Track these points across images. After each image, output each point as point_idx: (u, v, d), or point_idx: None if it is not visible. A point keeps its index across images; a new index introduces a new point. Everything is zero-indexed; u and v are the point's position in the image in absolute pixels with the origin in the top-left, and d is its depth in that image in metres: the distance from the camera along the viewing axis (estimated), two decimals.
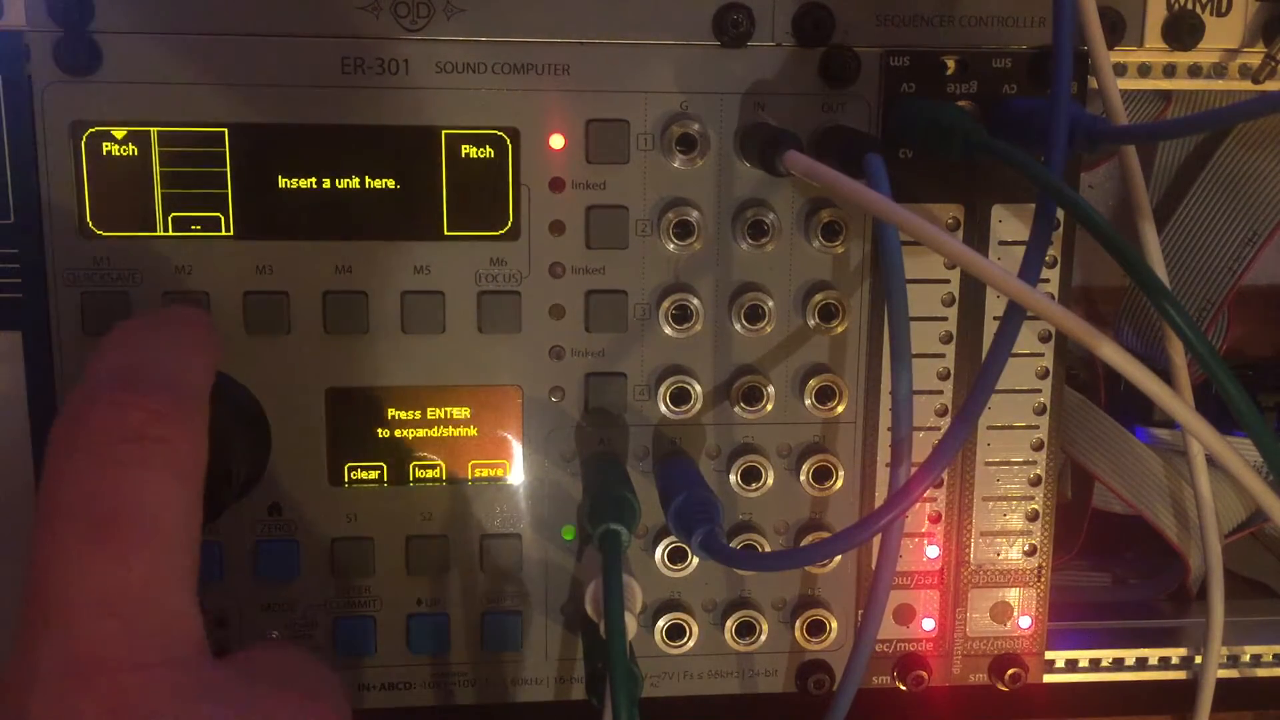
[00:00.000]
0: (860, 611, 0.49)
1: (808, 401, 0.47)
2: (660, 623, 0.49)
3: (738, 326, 0.47)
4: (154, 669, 0.25)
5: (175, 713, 0.25)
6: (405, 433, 0.47)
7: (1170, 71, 0.48)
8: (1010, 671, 0.50)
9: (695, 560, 0.48)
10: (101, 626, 0.25)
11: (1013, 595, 0.51)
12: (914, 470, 0.39)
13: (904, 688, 0.50)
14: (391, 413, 0.46)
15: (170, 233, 0.44)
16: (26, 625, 0.25)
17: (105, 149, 0.43)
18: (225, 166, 0.44)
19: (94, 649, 0.25)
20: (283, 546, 0.47)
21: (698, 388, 0.47)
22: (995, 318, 0.48)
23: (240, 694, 0.26)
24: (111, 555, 0.25)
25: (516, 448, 0.47)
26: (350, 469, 0.47)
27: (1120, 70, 0.47)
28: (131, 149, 0.43)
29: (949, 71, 0.46)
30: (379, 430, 0.46)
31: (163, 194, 0.44)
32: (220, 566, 0.46)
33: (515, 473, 0.47)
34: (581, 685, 0.49)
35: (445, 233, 0.45)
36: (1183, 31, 0.47)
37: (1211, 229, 0.55)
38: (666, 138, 0.45)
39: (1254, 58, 0.48)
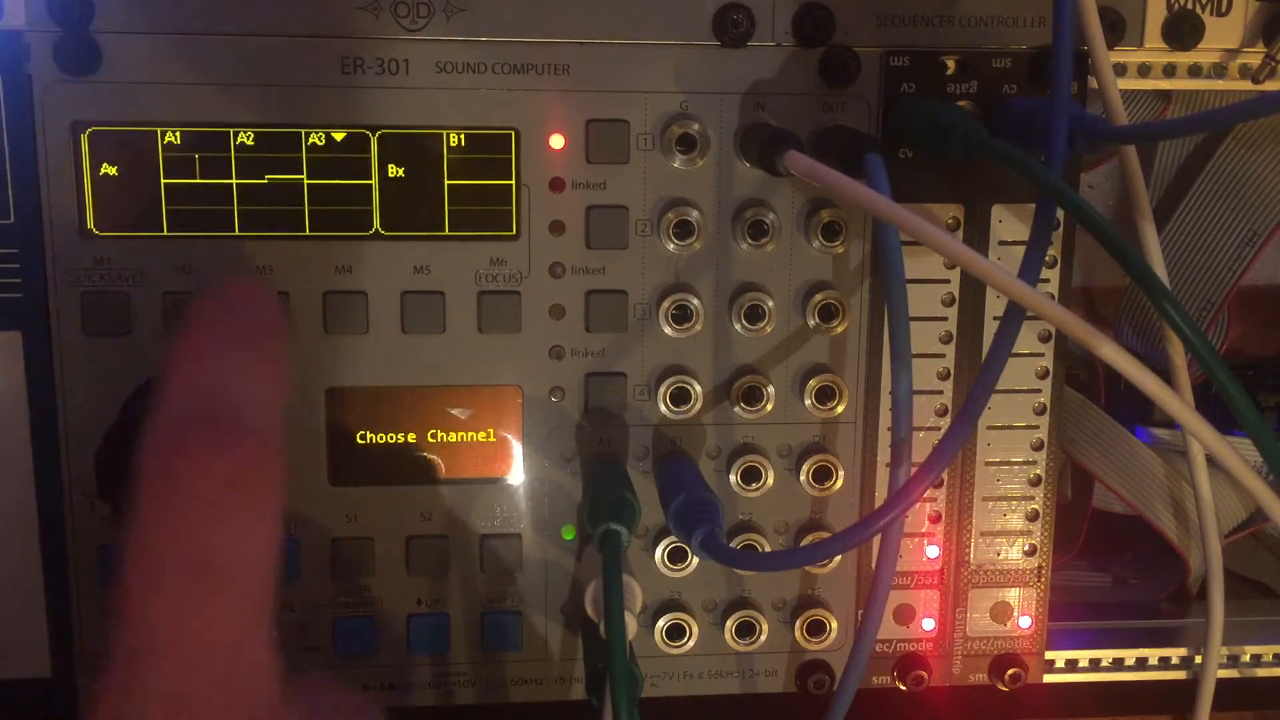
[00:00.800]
0: (860, 611, 0.49)
1: (808, 401, 0.47)
2: (660, 623, 0.49)
3: (738, 326, 0.47)
4: (244, 708, 0.25)
5: None
6: (405, 433, 0.47)
7: (1170, 71, 0.48)
8: (1010, 671, 0.50)
9: (695, 560, 0.48)
10: (198, 670, 0.25)
11: (1013, 595, 0.51)
12: (914, 470, 0.39)
13: (904, 688, 0.50)
14: (391, 413, 0.46)
15: (170, 232, 0.44)
16: (125, 656, 0.25)
17: (105, 149, 0.43)
18: (226, 166, 0.44)
19: (190, 690, 0.25)
20: (282, 547, 0.46)
21: (698, 388, 0.47)
22: (995, 318, 0.48)
23: None
24: (210, 600, 0.25)
25: (516, 448, 0.47)
26: (350, 469, 0.47)
27: (1120, 70, 0.47)
28: (131, 149, 0.43)
29: (949, 71, 0.46)
30: (379, 430, 0.46)
31: (163, 194, 0.44)
32: None
33: (515, 473, 0.47)
34: (581, 685, 0.49)
35: (445, 233, 0.45)
36: (1183, 31, 0.47)
37: (1211, 229, 0.55)
38: (666, 138, 0.45)
39: (1254, 58, 0.48)
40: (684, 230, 0.46)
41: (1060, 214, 0.45)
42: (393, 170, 0.45)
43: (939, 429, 0.49)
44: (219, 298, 0.30)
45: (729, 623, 0.49)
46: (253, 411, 0.28)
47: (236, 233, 0.44)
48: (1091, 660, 0.53)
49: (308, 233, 0.45)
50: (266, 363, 0.29)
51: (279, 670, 0.27)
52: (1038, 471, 0.50)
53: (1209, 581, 0.51)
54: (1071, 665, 0.52)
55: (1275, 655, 0.54)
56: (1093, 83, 0.45)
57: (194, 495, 0.26)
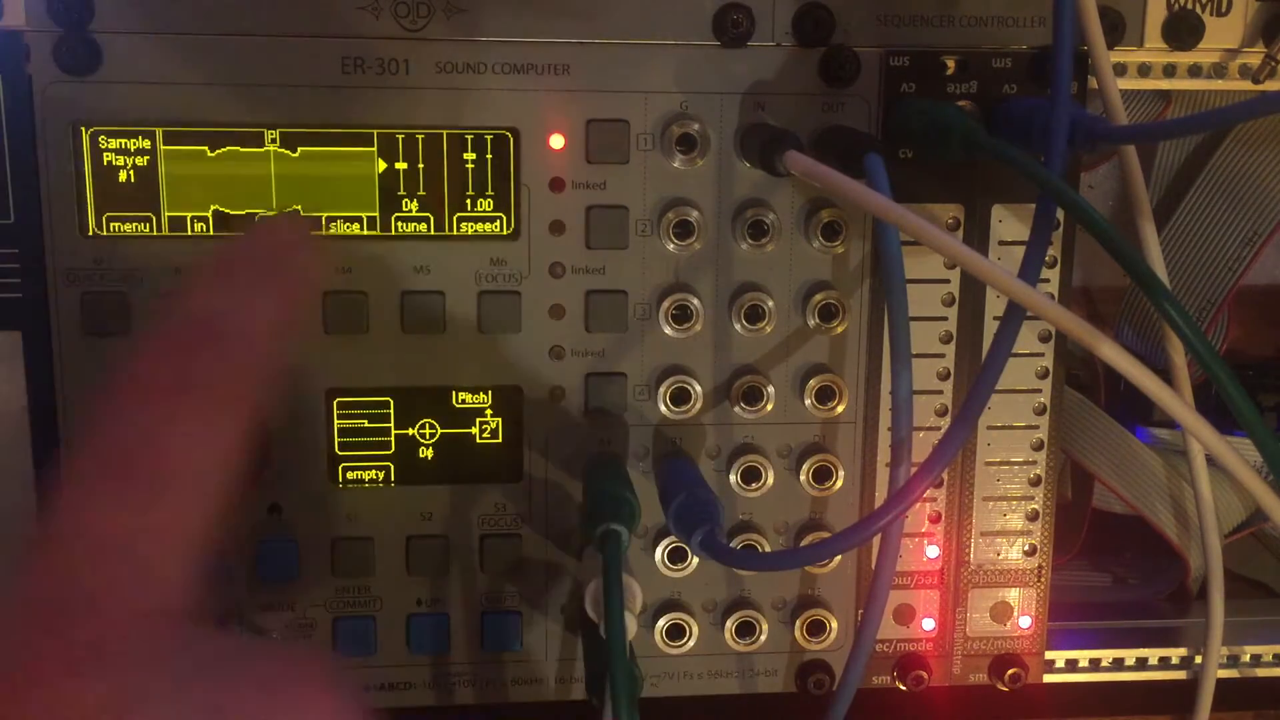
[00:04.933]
0: (860, 611, 0.49)
1: (808, 401, 0.47)
2: (660, 623, 0.49)
3: (738, 326, 0.47)
4: (143, 620, 0.24)
5: (156, 665, 0.24)
6: (405, 433, 0.47)
7: (1170, 71, 0.48)
8: (1010, 671, 0.50)
9: (695, 560, 0.48)
10: (101, 567, 0.24)
11: (1013, 595, 0.51)
12: (914, 470, 0.39)
13: (904, 688, 0.50)
14: (391, 413, 0.46)
15: (170, 233, 0.44)
16: (25, 553, 0.24)
17: (105, 148, 0.43)
18: (226, 167, 0.44)
19: (88, 587, 0.24)
20: (283, 546, 0.47)
21: (698, 388, 0.47)
22: (995, 318, 0.48)
23: (232, 665, 0.25)
24: (130, 500, 0.25)
25: (517, 448, 0.47)
26: (350, 469, 0.47)
27: (1120, 70, 0.47)
28: (131, 149, 0.43)
29: (949, 71, 0.46)
30: (379, 430, 0.46)
31: (163, 194, 0.44)
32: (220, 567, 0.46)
33: (515, 473, 0.47)
34: (581, 685, 0.49)
35: (445, 233, 0.45)
36: (1183, 31, 0.47)
37: (1211, 229, 0.55)
38: (666, 138, 0.45)
39: (1254, 58, 0.48)
40: (684, 230, 0.46)
41: (1060, 214, 0.45)
42: (393, 170, 0.45)
43: (939, 429, 0.49)
44: (252, 232, 0.30)
45: (729, 623, 0.49)
46: (235, 324, 0.28)
47: (236, 233, 0.44)
48: (1091, 660, 0.53)
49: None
50: (272, 293, 0.29)
51: (202, 610, 0.26)
52: (1038, 471, 0.50)
53: (1209, 581, 0.51)
54: (1071, 665, 0.52)
55: (1275, 655, 0.54)
56: (1093, 83, 0.45)
57: (137, 396, 0.26)
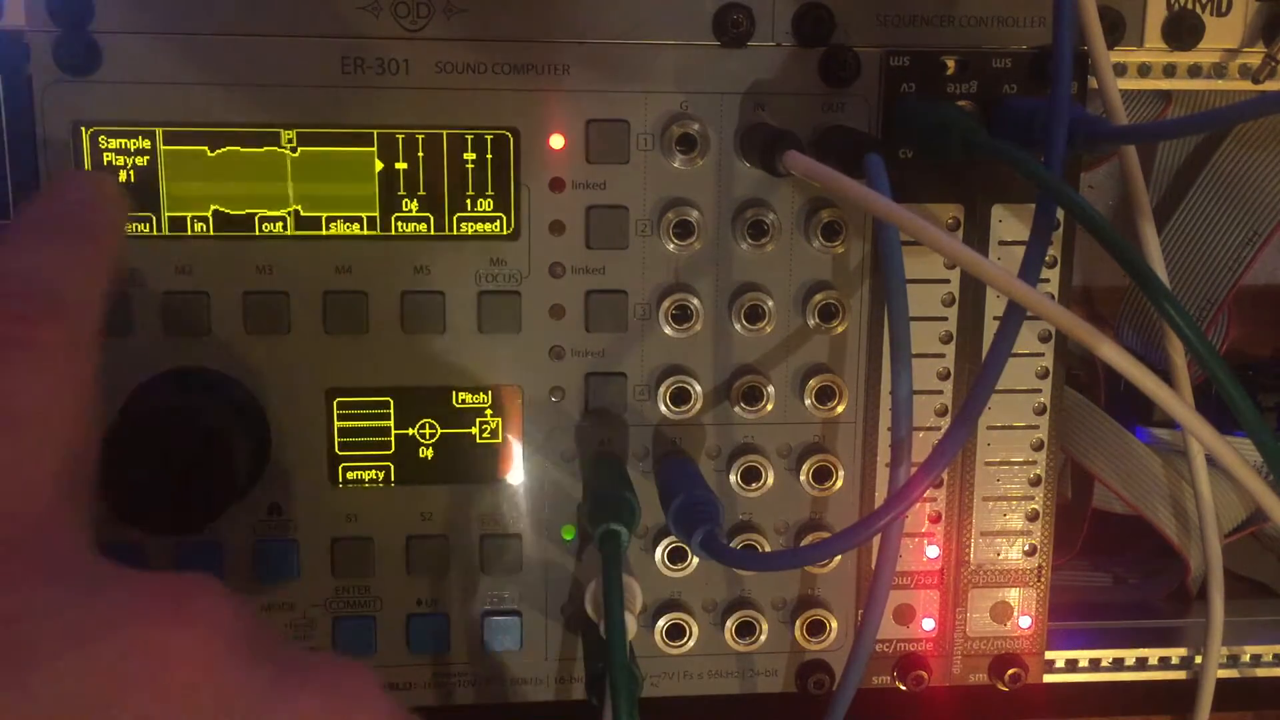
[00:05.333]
0: (860, 611, 0.49)
1: (808, 401, 0.47)
2: (660, 623, 0.49)
3: (738, 326, 0.47)
4: (4, 545, 0.25)
5: (24, 586, 0.25)
6: (405, 433, 0.47)
7: (1170, 71, 0.48)
8: (1010, 671, 0.50)
9: (695, 560, 0.48)
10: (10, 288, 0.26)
11: (1013, 595, 0.51)
12: (914, 470, 0.39)
13: (904, 688, 0.50)
14: (391, 413, 0.46)
15: (170, 233, 0.44)
16: None
17: (105, 149, 0.43)
18: (226, 167, 0.44)
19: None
20: (283, 546, 0.47)
21: (698, 388, 0.47)
22: (995, 318, 0.48)
23: (114, 590, 0.26)
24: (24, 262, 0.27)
25: (516, 448, 0.47)
26: (350, 469, 0.47)
27: (1120, 70, 0.47)
28: (131, 149, 0.43)
29: (949, 71, 0.46)
30: (379, 430, 0.46)
31: (163, 194, 0.44)
32: (220, 567, 0.46)
33: (515, 473, 0.47)
34: (581, 685, 0.49)
35: (445, 233, 0.45)
36: (1183, 31, 0.47)
37: (1211, 229, 0.55)
38: (666, 138, 0.45)
39: (1254, 58, 0.48)
40: (684, 230, 0.46)
41: (1060, 214, 0.45)
42: (393, 170, 0.45)
43: (939, 429, 0.49)
44: (52, 189, 0.33)
45: (729, 623, 0.49)
46: (45, 279, 0.30)
47: (236, 233, 0.44)
48: (1091, 660, 0.53)
49: (308, 233, 0.45)
50: (83, 246, 0.31)
51: (71, 521, 0.28)
52: (1038, 471, 0.50)
53: (1209, 581, 0.51)
54: (1071, 665, 0.52)
55: (1275, 655, 0.54)
56: (1093, 83, 0.45)
57: None
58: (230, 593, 0.26)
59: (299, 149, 0.44)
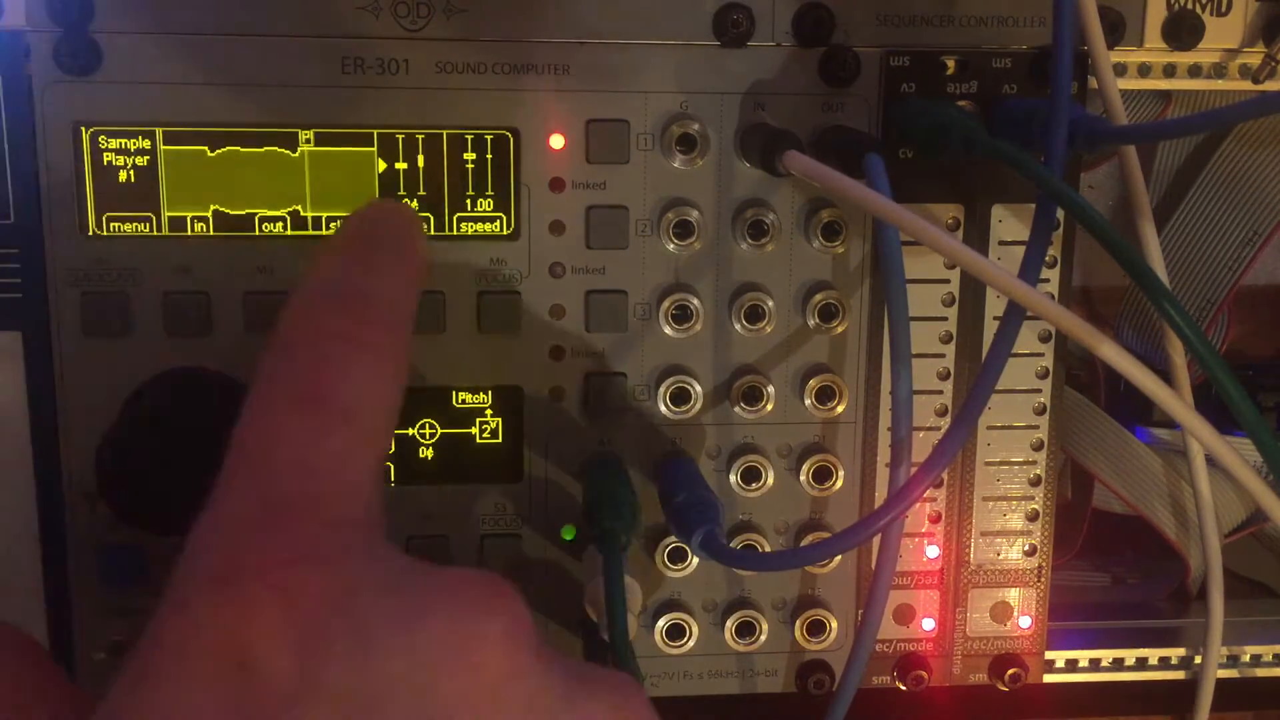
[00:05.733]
0: (860, 611, 0.49)
1: (808, 401, 0.47)
2: (660, 623, 0.49)
3: (738, 326, 0.47)
4: (344, 527, 0.27)
5: (358, 566, 0.26)
6: (405, 433, 0.47)
7: (1170, 71, 0.48)
8: (1010, 671, 0.50)
9: (695, 560, 0.48)
10: (300, 482, 0.27)
11: (1013, 595, 0.51)
12: (914, 470, 0.39)
13: (904, 688, 0.50)
14: None
15: (170, 233, 0.44)
16: (227, 476, 0.27)
17: (105, 148, 0.43)
18: (227, 167, 0.44)
19: (292, 499, 0.26)
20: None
21: (698, 388, 0.47)
22: (995, 318, 0.48)
23: (428, 578, 0.27)
24: (315, 427, 0.28)
25: (517, 448, 0.47)
26: None
27: (1120, 70, 0.47)
28: (131, 149, 0.43)
29: (949, 71, 0.46)
30: None
31: (163, 194, 0.44)
32: None
33: (515, 473, 0.47)
34: None
35: (445, 233, 0.45)
36: (1183, 31, 0.47)
37: (1211, 229, 0.55)
38: (666, 138, 0.45)
39: (1254, 58, 0.48)
40: (684, 230, 0.46)
41: (1060, 214, 0.45)
42: (393, 170, 0.45)
43: (939, 429, 0.49)
44: (368, 210, 0.35)
45: (729, 623, 0.49)
46: (378, 292, 0.31)
47: (236, 233, 0.44)
48: (1091, 660, 0.53)
49: (308, 233, 0.45)
50: (394, 260, 0.33)
51: (380, 521, 0.29)
52: (1038, 471, 0.50)
53: (1209, 581, 0.51)
54: (1071, 665, 0.52)
55: (1275, 655, 0.54)
56: (1093, 83, 0.45)
57: (308, 346, 0.29)
58: (519, 604, 0.27)
59: (299, 149, 0.44)
